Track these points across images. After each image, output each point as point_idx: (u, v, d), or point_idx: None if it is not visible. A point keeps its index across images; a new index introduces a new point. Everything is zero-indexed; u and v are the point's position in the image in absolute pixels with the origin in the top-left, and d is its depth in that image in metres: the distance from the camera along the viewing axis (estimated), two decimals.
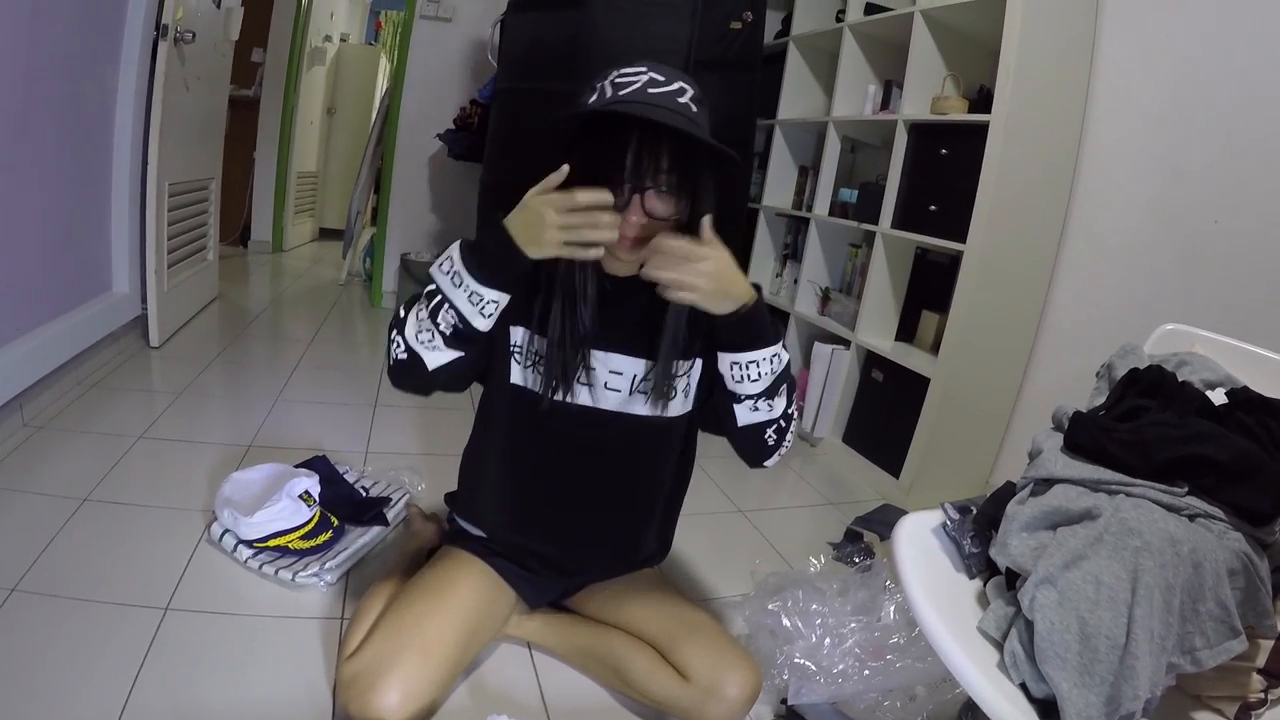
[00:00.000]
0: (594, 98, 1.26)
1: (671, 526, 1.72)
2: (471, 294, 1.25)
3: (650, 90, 1.22)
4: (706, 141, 1.21)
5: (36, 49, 2.39)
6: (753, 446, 1.41)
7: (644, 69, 1.25)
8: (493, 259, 1.24)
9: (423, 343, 1.29)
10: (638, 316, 1.39)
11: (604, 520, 1.58)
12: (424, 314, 1.29)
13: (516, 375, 1.44)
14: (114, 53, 2.98)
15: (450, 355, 1.30)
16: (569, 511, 1.56)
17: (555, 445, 1.50)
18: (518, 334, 1.42)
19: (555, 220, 1.15)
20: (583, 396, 1.43)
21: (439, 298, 1.27)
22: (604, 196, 1.16)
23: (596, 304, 1.36)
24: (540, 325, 1.38)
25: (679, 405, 1.46)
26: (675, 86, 1.25)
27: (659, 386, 1.41)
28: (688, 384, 1.46)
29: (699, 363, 1.45)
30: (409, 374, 1.32)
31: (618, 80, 1.24)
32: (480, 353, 1.37)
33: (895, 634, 1.59)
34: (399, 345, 1.31)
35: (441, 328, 1.27)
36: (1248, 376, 1.27)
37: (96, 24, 2.81)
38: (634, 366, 1.43)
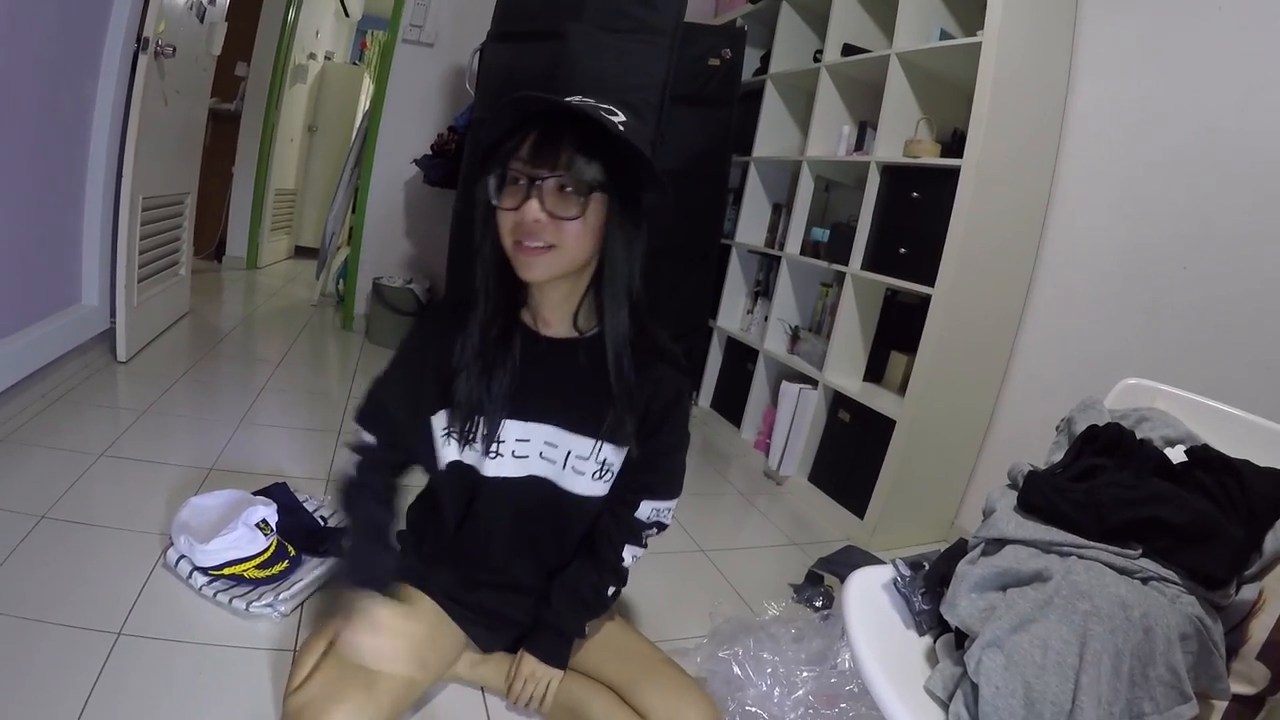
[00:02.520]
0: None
1: None
2: None
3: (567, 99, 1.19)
4: (606, 124, 1.16)
5: (12, 57, 2.37)
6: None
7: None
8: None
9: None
10: (574, 387, 1.40)
11: (546, 580, 1.57)
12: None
13: (453, 453, 1.45)
14: (93, 64, 2.97)
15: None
16: (513, 574, 1.55)
17: (496, 512, 1.49)
18: (440, 419, 1.43)
19: None
20: (509, 468, 1.44)
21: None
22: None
23: (520, 368, 1.39)
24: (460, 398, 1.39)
25: (592, 487, 1.47)
26: (591, 102, 1.20)
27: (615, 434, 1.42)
28: (607, 468, 1.47)
29: (624, 451, 1.46)
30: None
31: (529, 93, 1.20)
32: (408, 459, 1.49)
33: (850, 682, 1.59)
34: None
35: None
36: (1209, 432, 1.28)
37: (77, 34, 2.79)
38: (569, 441, 1.43)
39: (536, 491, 1.46)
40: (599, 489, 1.47)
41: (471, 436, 1.40)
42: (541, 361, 1.39)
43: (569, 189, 1.19)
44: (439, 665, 1.52)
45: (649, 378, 1.40)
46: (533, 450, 1.43)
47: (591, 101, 1.21)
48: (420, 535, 1.62)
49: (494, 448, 1.41)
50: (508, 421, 1.40)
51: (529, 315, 1.41)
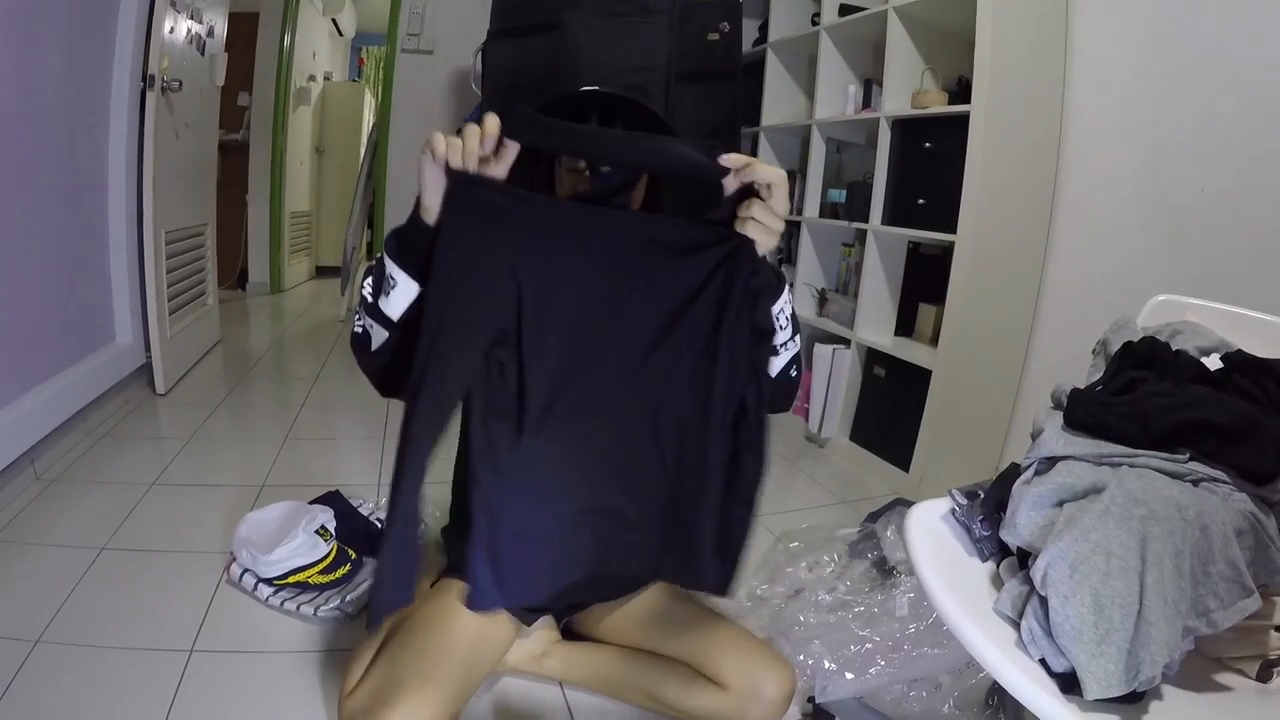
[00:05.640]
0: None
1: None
2: (386, 274, 1.16)
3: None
4: (643, 105, 1.30)
5: (25, 108, 2.42)
6: (784, 394, 1.35)
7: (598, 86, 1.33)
8: (406, 234, 1.15)
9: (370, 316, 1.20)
10: None
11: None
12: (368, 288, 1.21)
13: None
14: (103, 106, 3.02)
15: (383, 334, 1.19)
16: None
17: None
18: None
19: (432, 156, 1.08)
20: None
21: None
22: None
23: None
24: None
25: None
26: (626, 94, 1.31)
27: None
28: None
29: None
30: (360, 350, 1.23)
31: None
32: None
33: (910, 625, 1.60)
34: (360, 316, 1.23)
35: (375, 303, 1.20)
36: (1241, 339, 1.28)
37: (84, 79, 2.84)
38: None
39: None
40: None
41: None
42: None
43: None
44: (492, 659, 1.48)
45: None
46: None
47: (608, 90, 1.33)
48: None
49: None
50: None
51: None
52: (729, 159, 1.08)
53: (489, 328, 1.09)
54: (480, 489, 1.13)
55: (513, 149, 1.08)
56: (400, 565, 1.08)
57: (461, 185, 1.07)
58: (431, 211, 1.09)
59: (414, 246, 1.12)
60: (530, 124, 1.08)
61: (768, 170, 1.10)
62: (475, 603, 1.16)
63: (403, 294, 1.15)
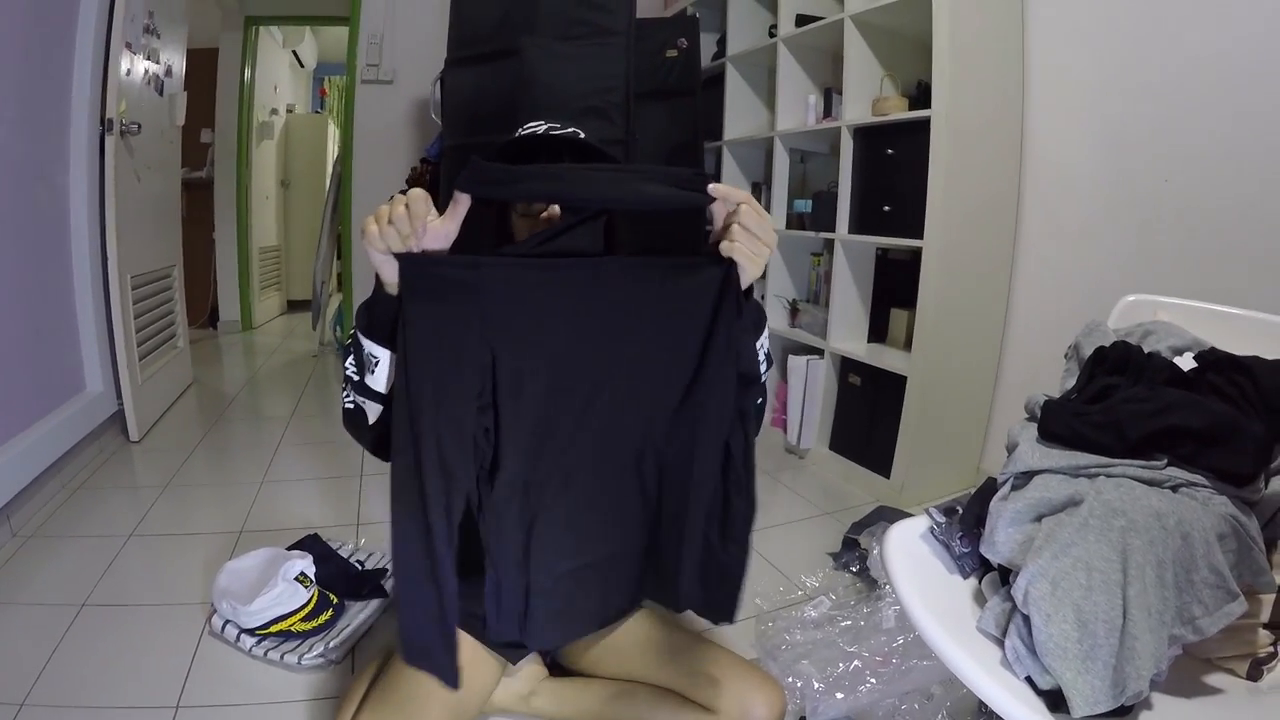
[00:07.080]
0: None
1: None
2: (365, 353, 1.18)
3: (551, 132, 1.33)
4: (589, 143, 1.34)
5: None
6: (755, 426, 1.30)
7: (543, 121, 1.36)
8: (375, 308, 1.16)
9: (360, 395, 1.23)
10: None
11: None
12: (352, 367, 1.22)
13: None
14: (61, 152, 2.98)
15: (377, 408, 1.21)
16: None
17: None
18: None
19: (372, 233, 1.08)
20: None
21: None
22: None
23: None
24: None
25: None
26: (570, 130, 1.34)
27: None
28: None
29: None
30: (355, 425, 1.25)
31: (522, 132, 1.34)
32: None
33: (898, 637, 1.60)
34: (347, 393, 1.24)
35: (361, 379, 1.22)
36: (1214, 335, 1.28)
37: (40, 125, 2.81)
38: None
39: None
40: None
41: None
42: None
43: None
44: (479, 702, 1.47)
45: None
46: None
47: (557, 125, 1.35)
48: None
49: None
50: None
51: None
52: (715, 189, 1.07)
53: (467, 397, 1.09)
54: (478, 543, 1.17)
55: (464, 203, 1.07)
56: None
57: (410, 266, 1.06)
58: (391, 285, 1.10)
59: (384, 318, 1.13)
60: (493, 179, 1.06)
61: (735, 192, 1.10)
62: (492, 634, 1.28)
63: (385, 368, 1.17)
